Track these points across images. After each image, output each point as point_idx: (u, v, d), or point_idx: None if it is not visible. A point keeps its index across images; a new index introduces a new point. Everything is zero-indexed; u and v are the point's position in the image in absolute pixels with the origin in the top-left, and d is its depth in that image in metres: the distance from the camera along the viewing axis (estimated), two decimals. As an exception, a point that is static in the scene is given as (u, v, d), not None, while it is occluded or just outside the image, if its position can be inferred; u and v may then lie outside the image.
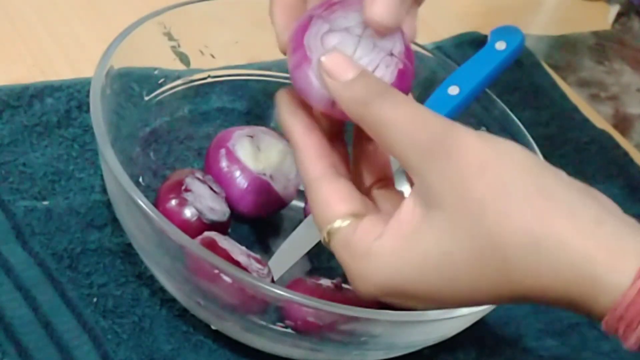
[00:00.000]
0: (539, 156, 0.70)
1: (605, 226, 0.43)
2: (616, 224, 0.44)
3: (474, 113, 0.74)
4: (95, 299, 0.63)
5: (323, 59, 0.48)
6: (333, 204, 0.49)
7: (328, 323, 0.57)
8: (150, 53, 0.70)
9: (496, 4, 1.07)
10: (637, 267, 0.42)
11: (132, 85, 0.69)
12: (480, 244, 0.45)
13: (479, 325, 0.64)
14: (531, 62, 0.97)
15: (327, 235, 0.49)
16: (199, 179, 0.68)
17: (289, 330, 0.59)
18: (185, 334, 0.64)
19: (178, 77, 0.73)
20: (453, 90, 0.69)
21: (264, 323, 0.59)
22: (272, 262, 0.67)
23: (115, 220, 0.66)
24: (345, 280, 0.64)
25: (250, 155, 0.71)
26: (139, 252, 0.63)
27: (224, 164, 0.70)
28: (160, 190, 0.67)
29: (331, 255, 0.72)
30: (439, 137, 0.46)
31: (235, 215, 0.70)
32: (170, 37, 0.71)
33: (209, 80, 0.75)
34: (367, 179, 0.53)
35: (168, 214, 0.63)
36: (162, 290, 0.64)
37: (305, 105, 0.52)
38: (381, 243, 0.47)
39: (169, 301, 0.65)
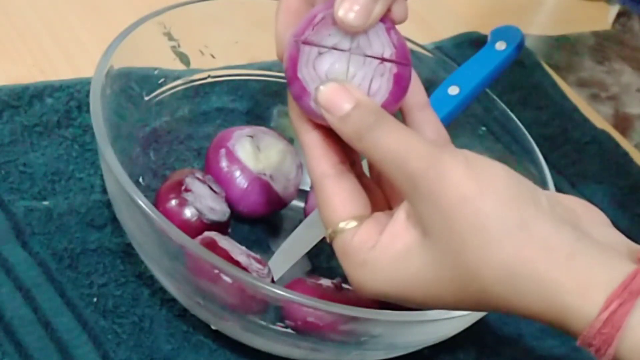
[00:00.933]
0: (539, 156, 0.70)
1: (577, 259, 0.45)
2: (588, 256, 0.46)
3: (474, 113, 0.74)
4: (95, 299, 0.63)
5: (317, 95, 0.50)
6: (335, 206, 0.51)
7: (328, 323, 0.57)
8: (150, 53, 0.70)
9: (496, 4, 1.07)
10: (604, 298, 0.44)
11: (132, 85, 0.69)
12: (462, 274, 0.47)
13: (479, 325, 0.64)
14: (531, 62, 0.97)
15: (330, 236, 0.51)
16: (199, 179, 0.68)
17: (289, 330, 0.59)
18: (185, 334, 0.64)
19: (178, 77, 0.73)
20: (453, 90, 0.69)
21: (264, 323, 0.59)
22: (272, 262, 0.67)
23: (115, 220, 0.66)
24: (345, 281, 0.64)
25: (250, 155, 0.71)
26: (139, 252, 0.63)
27: (224, 164, 0.70)
28: (160, 190, 0.67)
29: (331, 255, 0.72)
30: (423, 170, 0.47)
31: (235, 215, 0.70)
32: (170, 37, 0.71)
33: (209, 80, 0.75)
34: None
35: (168, 214, 0.63)
36: (162, 290, 0.64)
37: None
38: (375, 255, 0.49)
39: (169, 301, 0.65)
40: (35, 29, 0.81)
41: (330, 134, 0.52)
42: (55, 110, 0.73)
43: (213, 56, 0.74)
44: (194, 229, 0.64)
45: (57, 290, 0.62)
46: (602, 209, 0.53)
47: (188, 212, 0.66)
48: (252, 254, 0.63)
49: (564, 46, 1.08)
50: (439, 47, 0.92)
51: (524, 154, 0.71)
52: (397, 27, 0.52)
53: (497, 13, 1.05)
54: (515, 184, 0.47)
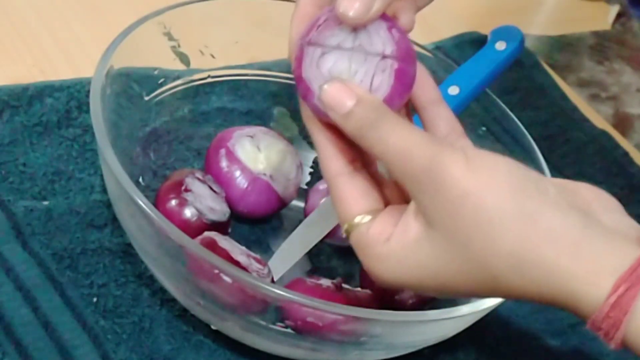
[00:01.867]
0: (539, 156, 0.70)
1: (584, 245, 0.46)
2: (596, 241, 0.47)
3: (474, 113, 0.74)
4: (95, 299, 0.63)
5: (321, 93, 0.51)
6: (349, 203, 0.52)
7: (328, 323, 0.57)
8: (150, 53, 0.70)
9: (496, 4, 1.07)
10: (612, 283, 0.45)
11: (132, 85, 0.69)
12: (471, 263, 0.48)
13: (479, 325, 0.64)
14: (531, 62, 0.97)
15: (346, 231, 0.53)
16: (199, 179, 0.68)
17: (289, 330, 0.59)
18: (185, 334, 0.64)
19: (178, 77, 0.73)
20: (453, 90, 0.69)
21: (264, 323, 0.59)
22: (272, 262, 0.67)
23: (115, 220, 0.66)
24: (345, 280, 0.64)
25: (250, 155, 0.71)
26: (139, 252, 0.63)
27: (224, 164, 0.70)
28: (160, 190, 0.67)
29: (331, 255, 0.72)
30: (424, 169, 0.49)
31: (235, 215, 0.70)
32: (170, 37, 0.71)
33: (209, 80, 0.75)
34: None
35: (168, 214, 0.63)
36: (162, 290, 0.64)
37: None
38: (389, 247, 0.51)
39: (169, 301, 0.65)
40: (35, 29, 0.81)
41: (341, 133, 0.53)
42: (55, 110, 0.73)
43: (213, 56, 0.74)
44: (194, 229, 0.64)
45: (57, 290, 0.62)
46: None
47: (188, 212, 0.66)
48: (252, 254, 0.63)
49: (564, 46, 1.08)
50: (439, 47, 0.92)
51: (524, 154, 0.71)
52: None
53: (497, 13, 1.05)
54: (517, 176, 0.48)
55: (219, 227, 0.66)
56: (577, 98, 0.96)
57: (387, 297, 0.66)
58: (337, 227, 0.69)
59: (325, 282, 0.64)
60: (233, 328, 0.61)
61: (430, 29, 0.94)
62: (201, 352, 0.63)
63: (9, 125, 0.71)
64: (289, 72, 0.76)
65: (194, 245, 0.57)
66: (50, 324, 0.60)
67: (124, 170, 0.58)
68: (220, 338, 0.63)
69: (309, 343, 0.60)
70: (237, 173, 0.70)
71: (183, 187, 0.66)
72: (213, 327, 0.63)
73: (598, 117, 0.96)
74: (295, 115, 0.77)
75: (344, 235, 0.53)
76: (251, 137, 0.72)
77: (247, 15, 0.74)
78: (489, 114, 0.74)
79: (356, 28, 0.52)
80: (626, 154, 0.90)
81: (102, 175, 0.68)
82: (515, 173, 0.49)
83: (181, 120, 0.74)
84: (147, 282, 0.65)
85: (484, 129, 0.74)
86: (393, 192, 0.55)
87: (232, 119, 0.76)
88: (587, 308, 0.46)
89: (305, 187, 0.74)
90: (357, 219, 0.52)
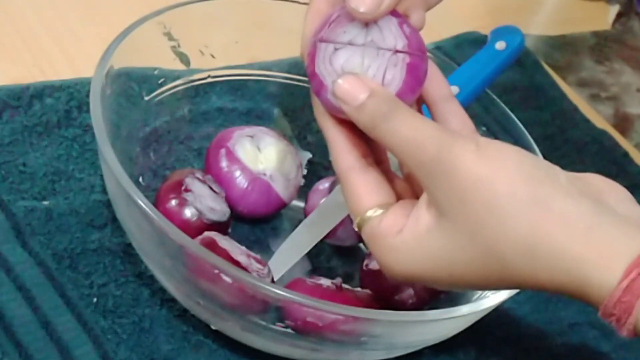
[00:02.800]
0: (539, 156, 0.70)
1: (596, 231, 0.46)
2: (608, 227, 0.46)
3: (474, 113, 0.73)
4: (95, 299, 0.63)
5: (334, 87, 0.52)
6: (362, 196, 0.53)
7: (328, 323, 0.57)
8: (150, 53, 0.70)
9: (496, 4, 1.07)
10: (624, 268, 0.45)
11: (132, 85, 0.69)
12: (482, 250, 0.48)
13: (479, 325, 0.64)
14: (531, 62, 0.97)
15: (358, 225, 0.53)
16: (199, 179, 0.68)
17: (289, 330, 0.59)
18: (185, 334, 0.64)
19: (178, 77, 0.73)
20: (453, 90, 0.69)
21: (264, 323, 0.59)
22: (272, 262, 0.67)
23: (115, 220, 0.66)
24: (345, 280, 0.64)
25: (250, 155, 0.71)
26: (139, 252, 0.63)
27: (224, 164, 0.70)
28: (160, 190, 0.67)
29: (331, 255, 0.72)
30: (435, 157, 0.49)
31: (235, 215, 0.70)
32: (170, 37, 0.71)
33: (209, 80, 0.75)
34: None
35: (168, 214, 0.63)
36: (162, 290, 0.64)
37: None
38: (402, 239, 0.51)
39: (169, 301, 0.65)
40: (35, 29, 0.81)
41: (353, 129, 0.53)
42: (55, 110, 0.73)
43: (213, 56, 0.74)
44: (194, 229, 0.64)
45: (57, 290, 0.62)
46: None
47: (188, 212, 0.66)
48: (252, 254, 0.63)
49: (564, 46, 1.08)
50: (439, 47, 0.92)
51: (524, 154, 0.70)
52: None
53: (497, 13, 1.05)
54: (528, 164, 0.49)
55: (219, 227, 0.66)
56: (577, 98, 0.96)
57: (387, 297, 0.66)
58: (337, 227, 0.69)
59: (325, 282, 0.64)
60: (233, 328, 0.61)
61: (430, 29, 0.93)
62: (201, 352, 0.63)
63: (9, 125, 0.71)
64: (289, 72, 0.76)
65: (194, 245, 0.57)
66: (50, 324, 0.60)
67: (124, 170, 0.58)
68: (220, 338, 0.63)
69: (309, 343, 0.60)
70: (237, 173, 0.70)
71: (183, 187, 0.66)
72: (213, 327, 0.63)
73: (598, 117, 0.96)
74: (295, 116, 0.77)
75: (355, 229, 0.53)
76: (251, 137, 0.72)
77: (247, 15, 0.74)
78: (489, 114, 0.74)
79: (368, 24, 0.53)
80: (626, 154, 0.90)
81: (102, 175, 0.68)
82: (526, 161, 0.49)
83: (181, 120, 0.74)
84: (147, 282, 0.65)
85: (484, 129, 0.74)
86: (404, 190, 0.55)
87: (232, 119, 0.76)
88: (599, 294, 0.46)
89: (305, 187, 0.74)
90: (369, 213, 0.52)
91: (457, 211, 0.48)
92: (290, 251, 0.68)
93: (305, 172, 0.75)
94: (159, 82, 0.71)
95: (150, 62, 0.71)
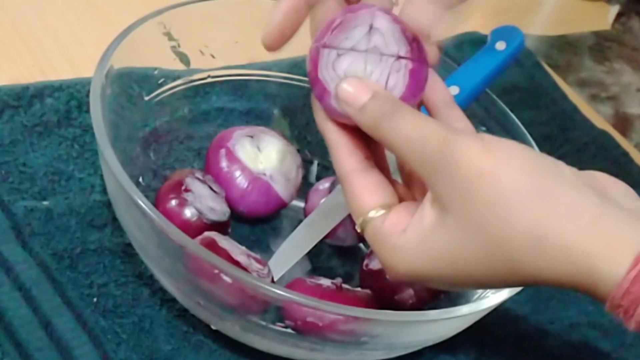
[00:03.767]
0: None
1: (603, 222, 0.46)
2: (614, 218, 0.46)
3: (474, 113, 0.74)
4: (95, 299, 0.63)
5: (338, 90, 0.53)
6: (364, 197, 0.53)
7: (328, 323, 0.57)
8: (150, 53, 0.70)
9: (496, 4, 1.07)
10: (632, 259, 0.44)
11: (132, 85, 0.69)
12: (487, 246, 0.48)
13: (479, 325, 0.64)
14: (531, 62, 0.97)
15: (360, 226, 0.53)
16: (199, 179, 0.68)
17: (289, 330, 0.59)
18: (185, 334, 0.64)
19: (178, 77, 0.73)
20: (453, 90, 0.70)
21: (264, 323, 0.59)
22: (272, 262, 0.67)
23: (115, 220, 0.66)
24: (345, 280, 0.64)
25: (250, 155, 0.71)
26: (139, 252, 0.63)
27: (224, 164, 0.70)
28: (160, 190, 0.67)
29: (331, 255, 0.72)
30: (439, 153, 0.49)
31: (235, 215, 0.70)
32: (170, 37, 0.71)
33: (209, 80, 0.75)
34: None
35: (168, 214, 0.63)
36: (162, 290, 0.64)
37: None
38: (405, 238, 0.51)
39: (169, 301, 0.65)
40: (35, 29, 0.81)
41: (354, 132, 0.54)
42: (55, 110, 0.73)
43: (213, 56, 0.74)
44: (194, 229, 0.64)
45: (57, 290, 0.62)
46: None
47: (188, 212, 0.66)
48: (252, 254, 0.63)
49: (564, 46, 1.08)
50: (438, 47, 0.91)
51: (524, 154, 0.70)
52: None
53: (497, 13, 1.05)
54: (532, 158, 0.49)
55: (219, 227, 0.66)
56: (577, 98, 0.96)
57: (387, 297, 0.66)
58: (337, 227, 0.69)
59: (325, 282, 0.64)
60: (233, 328, 0.61)
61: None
62: (201, 352, 0.63)
63: (9, 125, 0.71)
64: (289, 72, 0.76)
65: (194, 245, 0.57)
66: (50, 324, 0.60)
67: (124, 170, 0.58)
68: (220, 338, 0.63)
69: (309, 343, 0.60)
70: (237, 173, 0.70)
71: (183, 187, 0.66)
72: (213, 327, 0.63)
73: (598, 117, 0.96)
74: (295, 116, 0.77)
75: (358, 230, 0.53)
76: (251, 137, 0.72)
77: (247, 15, 0.74)
78: (489, 114, 0.74)
79: (370, 30, 0.53)
80: (626, 154, 0.90)
81: (102, 175, 0.68)
82: (530, 155, 0.49)
83: (181, 120, 0.74)
84: (147, 282, 0.65)
85: (484, 129, 0.74)
86: (405, 194, 0.56)
87: (232, 119, 0.76)
88: (606, 286, 0.45)
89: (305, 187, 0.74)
90: (372, 213, 0.52)
91: (462, 206, 0.48)
92: (290, 251, 0.68)
93: (314, 178, 0.75)
94: (159, 82, 0.71)
95: (150, 62, 0.71)
